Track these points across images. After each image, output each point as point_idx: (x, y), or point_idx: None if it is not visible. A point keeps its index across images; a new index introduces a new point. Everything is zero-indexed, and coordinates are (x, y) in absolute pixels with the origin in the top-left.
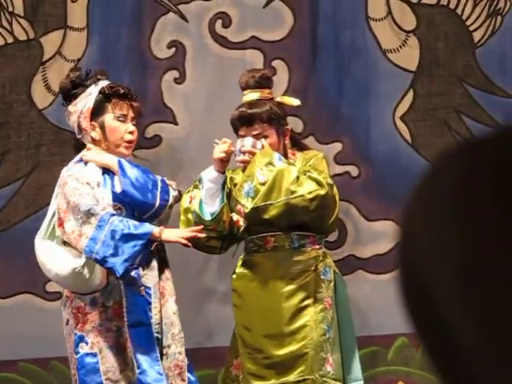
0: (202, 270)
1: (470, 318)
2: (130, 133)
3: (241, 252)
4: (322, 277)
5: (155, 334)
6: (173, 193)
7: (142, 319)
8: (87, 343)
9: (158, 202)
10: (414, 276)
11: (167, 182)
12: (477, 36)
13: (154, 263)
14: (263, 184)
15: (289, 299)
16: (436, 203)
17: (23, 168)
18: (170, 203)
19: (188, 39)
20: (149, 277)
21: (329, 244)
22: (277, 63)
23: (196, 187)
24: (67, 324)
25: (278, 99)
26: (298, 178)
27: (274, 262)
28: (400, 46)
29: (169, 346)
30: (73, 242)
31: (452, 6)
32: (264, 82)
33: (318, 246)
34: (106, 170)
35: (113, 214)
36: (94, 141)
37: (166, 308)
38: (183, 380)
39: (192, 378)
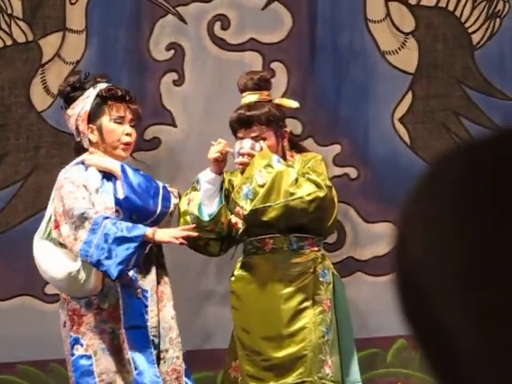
0: (201, 273)
1: (468, 320)
2: (128, 135)
3: (239, 254)
4: (321, 279)
5: (151, 337)
6: (174, 200)
7: (139, 322)
8: (82, 345)
9: (159, 209)
10: (412, 278)
11: (169, 188)
12: (475, 38)
13: (152, 267)
14: (262, 186)
15: (287, 301)
16: (435, 205)
17: (22, 170)
18: (170, 210)
19: (187, 41)
20: (146, 280)
21: (328, 246)
22: (275, 65)
23: (194, 189)
24: (64, 326)
25: (277, 101)
26: (296, 180)
27: (273, 264)
28: (399, 48)
29: (166, 351)
30: (68, 245)
31: (451, 8)
32: (262, 84)
33: (316, 248)
34: (107, 175)
35: (106, 217)
36: (91, 143)
37: (163, 312)
38: None
39: (189, 383)
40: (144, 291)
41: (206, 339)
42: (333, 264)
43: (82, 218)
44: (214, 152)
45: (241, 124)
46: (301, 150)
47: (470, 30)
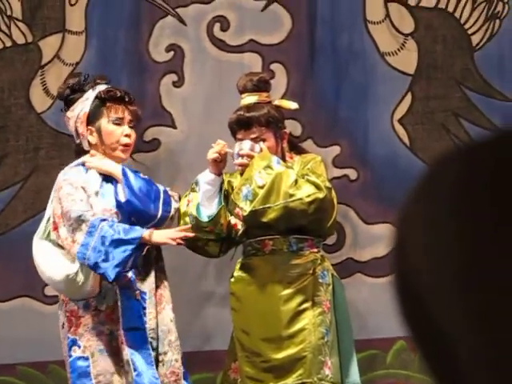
0: (201, 274)
1: (468, 321)
2: (127, 136)
3: (239, 255)
4: (320, 280)
5: (149, 339)
6: (175, 204)
7: (137, 323)
8: (80, 347)
9: (159, 213)
10: (411, 279)
11: (170, 192)
12: (475, 39)
13: (151, 270)
14: (262, 187)
15: (287, 303)
16: (434, 206)
17: (22, 172)
18: (171, 214)
19: (186, 42)
20: (145, 282)
21: (327, 247)
22: (275, 66)
23: (193, 190)
24: (63, 327)
25: (276, 102)
26: (296, 181)
27: (272, 265)
28: (398, 49)
29: (165, 353)
30: (66, 247)
31: (450, 9)
32: (262, 86)
33: (316, 250)
34: (108, 177)
35: (103, 220)
36: (91, 145)
37: (162, 315)
38: None
39: None
40: (142, 293)
41: (206, 340)
42: (332, 265)
43: (79, 220)
44: (212, 153)
45: (240, 125)
46: (300, 151)
47: (469, 32)
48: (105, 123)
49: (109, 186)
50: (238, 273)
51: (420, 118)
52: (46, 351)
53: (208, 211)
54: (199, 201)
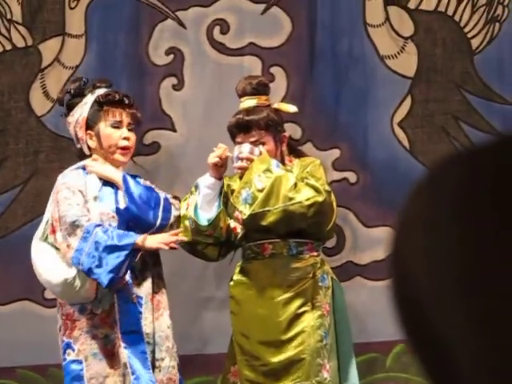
0: (200, 277)
1: (470, 325)
2: (125, 139)
3: (238, 259)
4: (320, 284)
5: (146, 344)
6: (175, 212)
7: (135, 327)
8: (74, 350)
9: (158, 222)
10: (410, 282)
11: (170, 200)
12: (475, 43)
13: (148, 275)
14: (261, 190)
15: (286, 306)
16: (435, 209)
17: (21, 175)
18: (170, 222)
19: (186, 46)
20: (141, 287)
21: (327, 250)
22: (275, 70)
23: (192, 193)
24: (60, 330)
25: (275, 106)
26: (295, 184)
27: (272, 269)
28: (398, 53)
29: (162, 359)
30: (62, 251)
31: (450, 12)
32: (261, 89)
33: (315, 253)
34: (108, 182)
35: (97, 225)
36: (91, 150)
37: (160, 321)
38: None
39: None
40: (139, 298)
41: (205, 344)
42: (332, 268)
43: (74, 225)
44: (213, 157)
45: (239, 129)
46: (299, 154)
47: (469, 35)
48: (103, 127)
49: (108, 190)
50: (237, 276)
51: (420, 121)
52: (45, 354)
53: (208, 215)
54: (198, 204)
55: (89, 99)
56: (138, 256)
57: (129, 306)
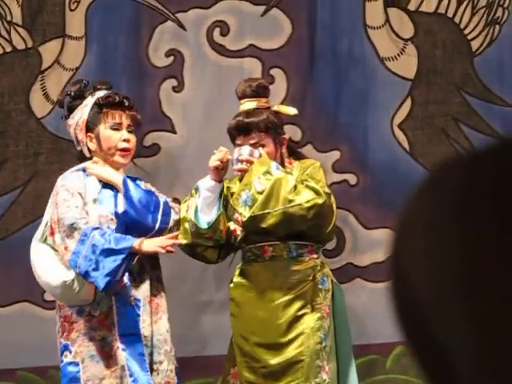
0: (200, 279)
1: (470, 328)
2: (125, 141)
3: (238, 261)
4: (320, 286)
5: (143, 346)
6: (174, 216)
7: (133, 330)
8: (71, 352)
9: (157, 226)
10: (409, 283)
11: (170, 204)
12: (475, 45)
13: (146, 277)
14: (261, 193)
15: (286, 309)
16: (436, 212)
17: (21, 177)
18: (169, 226)
19: (186, 47)
20: (139, 289)
21: (327, 252)
22: (275, 71)
23: (193, 196)
24: (58, 332)
25: (275, 108)
26: (295, 186)
27: (272, 271)
28: (398, 54)
29: (160, 363)
30: (60, 253)
31: (450, 14)
32: (261, 91)
33: (315, 256)
34: (108, 184)
35: (95, 228)
36: (91, 152)
37: (158, 325)
38: None
39: None
40: (137, 300)
41: (205, 346)
42: (332, 270)
43: (72, 228)
44: (214, 160)
45: (239, 131)
46: (299, 156)
47: (469, 37)
48: (103, 129)
49: (108, 193)
50: (237, 278)
51: (420, 123)
52: (45, 356)
53: (207, 218)
54: (198, 207)
55: (89, 101)
56: (135, 260)
57: (127, 309)
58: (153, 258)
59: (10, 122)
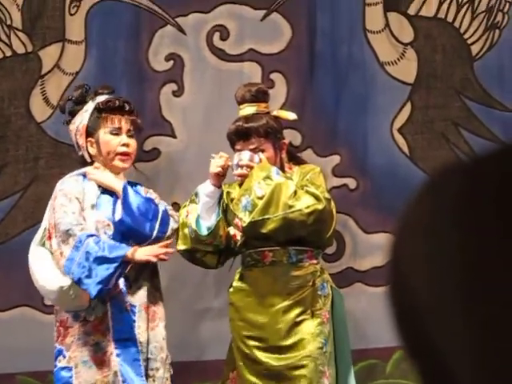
0: (200, 284)
1: (470, 332)
2: (124, 145)
3: (237, 266)
4: (319, 292)
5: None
6: (173, 225)
7: (128, 335)
8: (65, 357)
9: (155, 234)
10: (410, 289)
11: (170, 212)
12: (475, 49)
13: (143, 284)
14: (261, 198)
15: (286, 314)
16: (436, 216)
17: (21, 181)
18: (167, 235)
19: (186, 52)
20: (135, 296)
21: (327, 256)
22: (275, 76)
23: (192, 201)
24: (55, 336)
25: (275, 113)
26: (295, 192)
27: (272, 277)
28: (398, 59)
29: (157, 369)
30: (56, 259)
31: (450, 18)
32: (260, 96)
33: (315, 261)
34: (108, 191)
35: (90, 235)
36: (91, 157)
37: (155, 332)
38: None
39: None
40: (132, 306)
41: (204, 351)
42: (332, 275)
43: (67, 234)
44: (215, 166)
45: (239, 136)
46: (299, 161)
47: (469, 41)
48: (102, 134)
49: (106, 198)
50: (237, 283)
51: (420, 127)
52: (45, 361)
53: (207, 223)
54: (199, 213)
55: (89, 106)
56: (128, 268)
57: (122, 314)
58: (151, 266)
59: (10, 126)
